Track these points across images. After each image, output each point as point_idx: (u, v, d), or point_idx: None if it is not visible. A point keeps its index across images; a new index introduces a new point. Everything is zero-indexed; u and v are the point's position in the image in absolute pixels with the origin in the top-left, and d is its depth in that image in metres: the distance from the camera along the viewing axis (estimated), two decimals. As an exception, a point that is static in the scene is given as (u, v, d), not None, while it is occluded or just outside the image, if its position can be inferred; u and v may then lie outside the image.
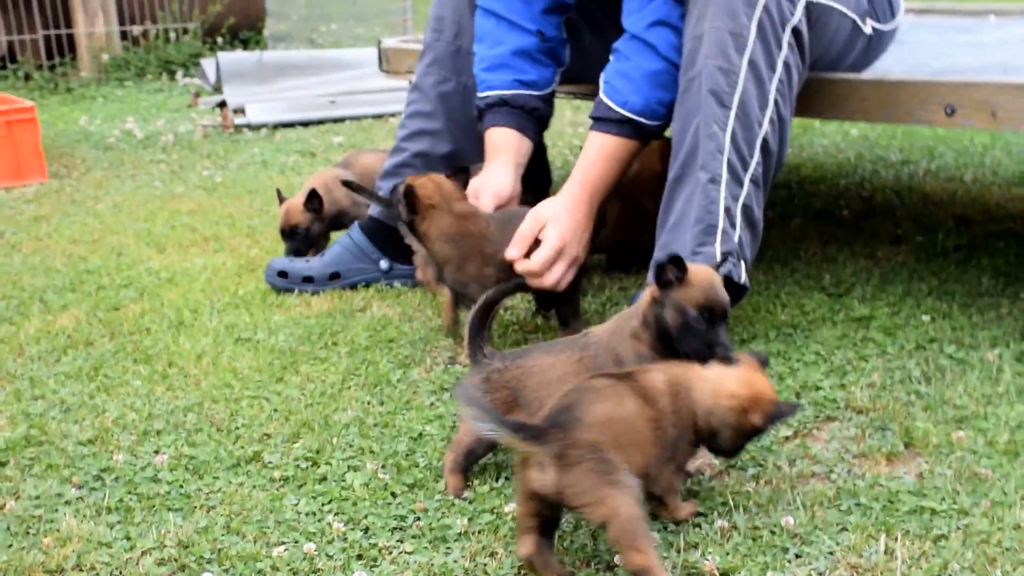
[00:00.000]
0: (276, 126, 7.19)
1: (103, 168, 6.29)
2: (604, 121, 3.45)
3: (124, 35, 9.01)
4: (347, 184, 3.92)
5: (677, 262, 2.49)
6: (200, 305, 3.96)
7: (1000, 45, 4.51)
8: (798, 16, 3.28)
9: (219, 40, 9.39)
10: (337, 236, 4.35)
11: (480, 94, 3.75)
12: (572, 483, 2.11)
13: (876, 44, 3.76)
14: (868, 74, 3.62)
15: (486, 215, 3.46)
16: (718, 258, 3.17)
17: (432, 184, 3.45)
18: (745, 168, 3.26)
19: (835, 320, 3.56)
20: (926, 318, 3.51)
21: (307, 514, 2.52)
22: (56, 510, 2.59)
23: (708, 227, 3.22)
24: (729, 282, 3.14)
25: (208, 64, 8.63)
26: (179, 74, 8.86)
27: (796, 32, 3.28)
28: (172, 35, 9.17)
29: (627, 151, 3.47)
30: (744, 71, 3.21)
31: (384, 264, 4.07)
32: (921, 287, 3.82)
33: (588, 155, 3.47)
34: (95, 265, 4.48)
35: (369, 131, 7.15)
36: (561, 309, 3.53)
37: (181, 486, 2.66)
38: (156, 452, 2.83)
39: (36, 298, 4.13)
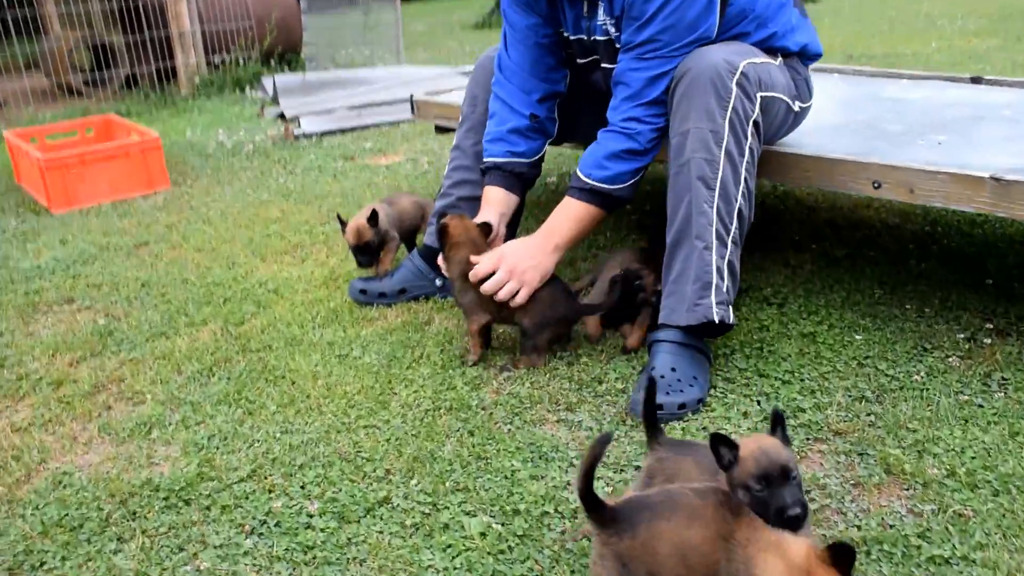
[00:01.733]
0: (323, 134, 6.50)
1: (207, 175, 5.64)
2: (575, 188, 3.02)
3: (208, 63, 8.41)
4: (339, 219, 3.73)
5: (725, 442, 1.77)
6: (304, 319, 3.42)
7: (920, 108, 3.88)
8: (756, 110, 2.83)
9: (272, 62, 8.66)
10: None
11: (483, 159, 3.32)
12: None
13: (799, 118, 3.26)
14: (810, 150, 3.10)
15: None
16: (714, 307, 2.78)
17: (461, 226, 3.06)
18: (728, 233, 2.81)
19: (789, 335, 3.08)
20: (858, 337, 3.03)
21: (443, 570, 2.03)
22: (237, 562, 2.10)
23: (704, 284, 2.79)
24: (722, 325, 2.80)
25: (267, 81, 8.05)
26: (247, 89, 8.16)
27: (755, 123, 2.84)
28: (241, 60, 8.44)
29: (590, 216, 3.02)
30: (722, 160, 2.78)
31: (438, 282, 3.53)
32: (834, 298, 3.34)
33: (557, 214, 3.04)
34: (218, 276, 3.90)
35: (388, 135, 6.53)
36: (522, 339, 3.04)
37: (332, 534, 2.17)
38: (305, 493, 2.33)
39: (181, 312, 3.56)
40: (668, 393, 2.67)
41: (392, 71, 8.11)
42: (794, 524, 1.69)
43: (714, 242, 2.78)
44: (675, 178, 2.84)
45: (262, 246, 4.25)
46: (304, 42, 8.99)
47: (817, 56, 3.25)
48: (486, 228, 3.10)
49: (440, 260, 3.13)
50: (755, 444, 1.78)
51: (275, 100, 7.63)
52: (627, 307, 3.09)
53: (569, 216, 2.99)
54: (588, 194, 2.96)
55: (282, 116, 7.04)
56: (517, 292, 2.91)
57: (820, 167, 3.01)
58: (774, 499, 1.71)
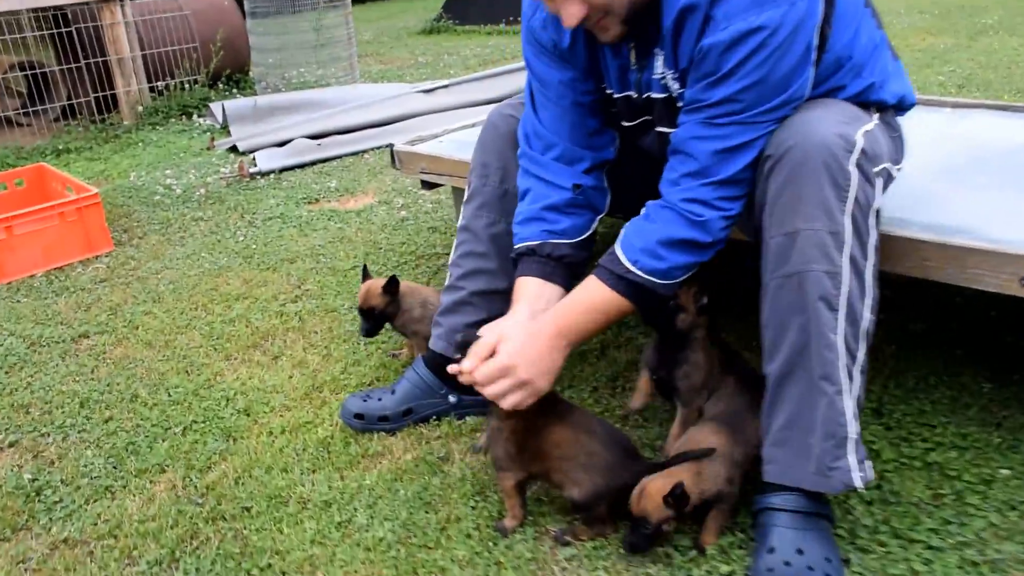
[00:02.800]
0: (282, 170, 5.55)
1: (155, 231, 4.61)
2: (610, 273, 2.11)
3: (152, 89, 7.30)
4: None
5: None
6: (288, 460, 2.51)
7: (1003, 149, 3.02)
8: (877, 195, 1.99)
9: (220, 85, 7.62)
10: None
11: (515, 245, 2.41)
12: None
13: (891, 181, 2.39)
14: (923, 228, 2.29)
15: None
16: (855, 471, 1.96)
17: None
18: (855, 362, 1.98)
19: (910, 465, 2.26)
20: (1001, 469, 2.21)
21: None
22: None
23: (839, 441, 1.95)
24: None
25: (215, 106, 6.98)
26: (195, 115, 7.11)
27: (877, 213, 2.00)
28: (186, 85, 7.39)
29: (618, 311, 2.14)
30: (847, 269, 1.93)
31: (452, 398, 2.63)
32: (939, 397, 2.54)
33: (577, 301, 2.16)
34: (174, 388, 2.96)
35: (352, 169, 5.57)
36: None
37: None
38: None
39: (131, 450, 2.62)
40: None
41: (348, 91, 7.12)
42: None
43: (843, 381, 1.95)
44: (777, 293, 1.99)
45: (225, 337, 3.31)
46: (252, 63, 7.95)
47: (911, 107, 2.40)
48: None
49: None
50: None
51: (225, 129, 6.61)
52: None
53: (593, 306, 2.13)
54: (625, 284, 2.08)
55: (234, 149, 6.04)
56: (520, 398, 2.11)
57: (945, 256, 2.17)
58: None
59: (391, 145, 3.52)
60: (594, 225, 2.40)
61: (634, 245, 2.07)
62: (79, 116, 7.07)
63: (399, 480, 2.36)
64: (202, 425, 2.71)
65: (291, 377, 2.97)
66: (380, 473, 2.39)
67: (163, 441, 2.64)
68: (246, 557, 2.11)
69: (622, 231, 2.14)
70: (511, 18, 11.37)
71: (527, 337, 2.10)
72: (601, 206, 2.41)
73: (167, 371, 3.08)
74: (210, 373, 3.03)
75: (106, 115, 7.00)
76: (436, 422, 2.62)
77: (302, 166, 5.66)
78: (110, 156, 6.20)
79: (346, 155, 5.85)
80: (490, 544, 2.10)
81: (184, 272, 3.99)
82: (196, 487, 2.41)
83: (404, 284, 2.92)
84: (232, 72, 7.77)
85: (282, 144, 5.97)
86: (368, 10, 16.35)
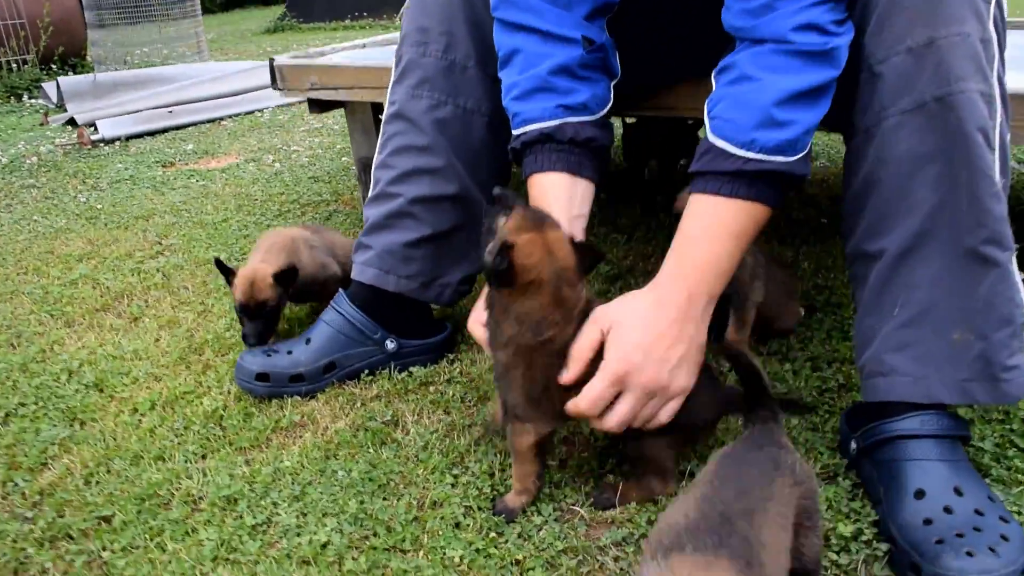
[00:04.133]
0: (128, 138, 4.45)
1: (-30, 200, 3.45)
2: (714, 176, 1.28)
3: (-29, 68, 5.87)
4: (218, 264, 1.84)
5: None
6: (164, 445, 1.56)
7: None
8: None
9: (53, 67, 6.32)
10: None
11: (515, 131, 1.51)
12: None
13: None
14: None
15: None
16: None
17: (542, 248, 1.23)
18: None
19: None
20: None
21: None
22: None
23: (1016, 329, 1.24)
24: None
25: (49, 86, 5.77)
26: (25, 97, 5.84)
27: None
28: (13, 66, 6.09)
29: (753, 223, 1.30)
30: (997, 92, 1.21)
31: (391, 344, 1.75)
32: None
33: (686, 229, 1.31)
34: (-8, 364, 1.94)
35: (209, 134, 4.54)
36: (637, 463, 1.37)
37: None
38: None
39: (-83, 452, 1.61)
40: (971, 554, 1.09)
41: (198, 67, 6.03)
42: None
43: (1012, 247, 1.23)
44: (894, 135, 1.25)
45: (63, 299, 2.31)
46: (90, 41, 6.68)
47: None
48: (587, 253, 1.32)
49: (473, 320, 1.41)
50: None
51: (61, 106, 5.41)
52: None
53: (720, 234, 1.28)
54: (749, 181, 1.26)
55: (72, 122, 4.89)
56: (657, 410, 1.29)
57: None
58: None
59: (270, 60, 2.59)
60: (611, 95, 1.56)
61: (738, 122, 1.25)
62: None
63: (332, 457, 1.49)
64: (32, 409, 1.74)
65: (158, 340, 2.02)
66: (303, 450, 1.51)
67: (-27, 434, 1.66)
68: (107, 597, 1.20)
69: (708, 115, 1.31)
70: (356, 13, 10.42)
71: (639, 320, 1.25)
72: (616, 67, 1.57)
73: (-18, 344, 2.07)
74: (44, 343, 2.04)
75: (-83, 96, 5.66)
76: (370, 377, 1.75)
77: (152, 133, 4.58)
78: (-81, 137, 4.92)
79: (201, 122, 4.81)
80: (493, 535, 1.26)
81: (11, 238, 2.91)
82: (24, 495, 1.46)
83: (293, 233, 2.03)
84: (66, 53, 6.50)
85: (129, 115, 4.86)
86: (207, 20, 14.93)
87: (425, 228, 1.73)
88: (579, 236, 1.45)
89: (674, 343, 1.25)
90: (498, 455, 1.46)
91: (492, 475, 1.41)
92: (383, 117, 1.80)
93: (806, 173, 1.29)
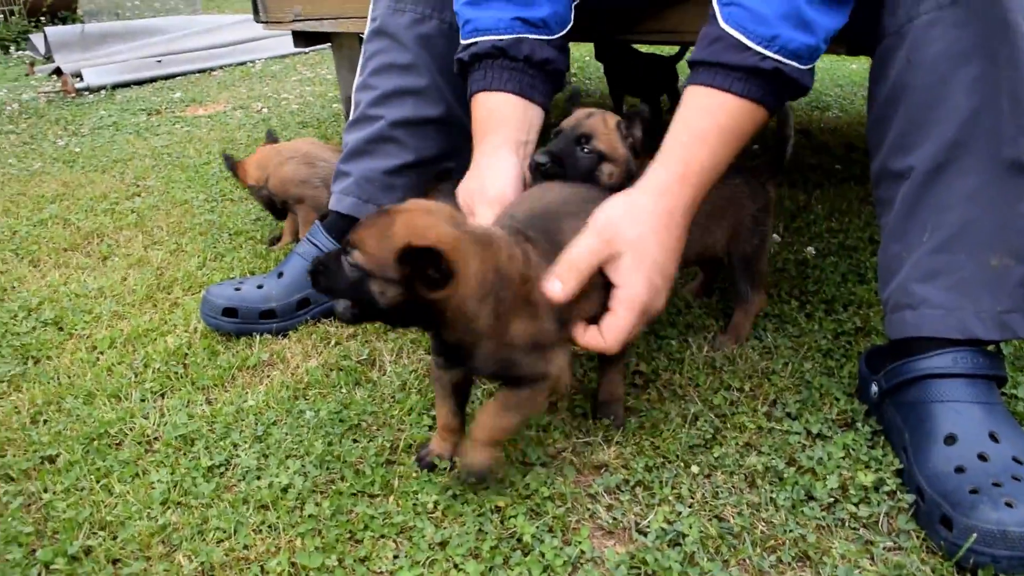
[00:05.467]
0: (114, 87, 4.27)
1: (-55, 143, 3.30)
2: (726, 69, 1.10)
3: (-43, 17, 5.71)
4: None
5: None
6: (121, 382, 1.43)
7: None
8: None
9: (41, 20, 6.12)
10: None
11: (464, 40, 1.36)
12: None
13: None
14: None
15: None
16: None
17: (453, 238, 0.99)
18: None
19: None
20: None
21: None
22: None
23: None
24: None
25: (36, 38, 5.55)
26: (11, 49, 5.66)
27: None
28: (2, 16, 5.87)
29: (755, 125, 1.14)
30: None
31: (369, 280, 1.61)
32: None
33: (693, 126, 1.12)
34: (-54, 301, 1.81)
35: (199, 83, 4.37)
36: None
37: None
38: None
39: None
40: (1011, 505, 0.96)
41: (189, 19, 5.85)
42: None
43: None
44: (926, 35, 1.11)
45: (31, 239, 2.17)
46: (81, -3, 6.50)
47: None
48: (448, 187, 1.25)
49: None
50: None
51: (49, 57, 5.23)
52: None
53: (728, 134, 1.13)
54: (762, 81, 1.11)
55: (58, 72, 4.72)
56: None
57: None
58: None
59: (251, -8, 2.43)
60: (571, 17, 1.41)
61: (761, 13, 1.09)
62: None
63: (301, 397, 1.36)
64: (-15, 344, 1.61)
65: (125, 279, 1.89)
66: (270, 390, 1.38)
67: (-83, 368, 1.53)
68: (45, 538, 1.07)
69: (716, 4, 1.13)
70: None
71: (653, 234, 1.08)
72: None
73: (-62, 282, 1.93)
74: (4, 281, 1.90)
75: (-99, 45, 5.48)
76: (347, 316, 1.62)
77: (140, 83, 4.42)
78: (-101, 85, 4.75)
79: (191, 72, 4.65)
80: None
81: (-19, 179, 2.78)
82: (-35, 436, 1.33)
83: (268, 146, 1.92)
84: (56, 6, 6.31)
85: (116, 64, 4.68)
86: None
87: (408, 154, 1.59)
88: (524, 160, 1.30)
89: (677, 257, 1.11)
90: (480, 397, 1.33)
91: (473, 415, 1.28)
92: (364, 35, 1.65)
93: (810, 86, 1.16)
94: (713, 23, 1.14)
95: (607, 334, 1.07)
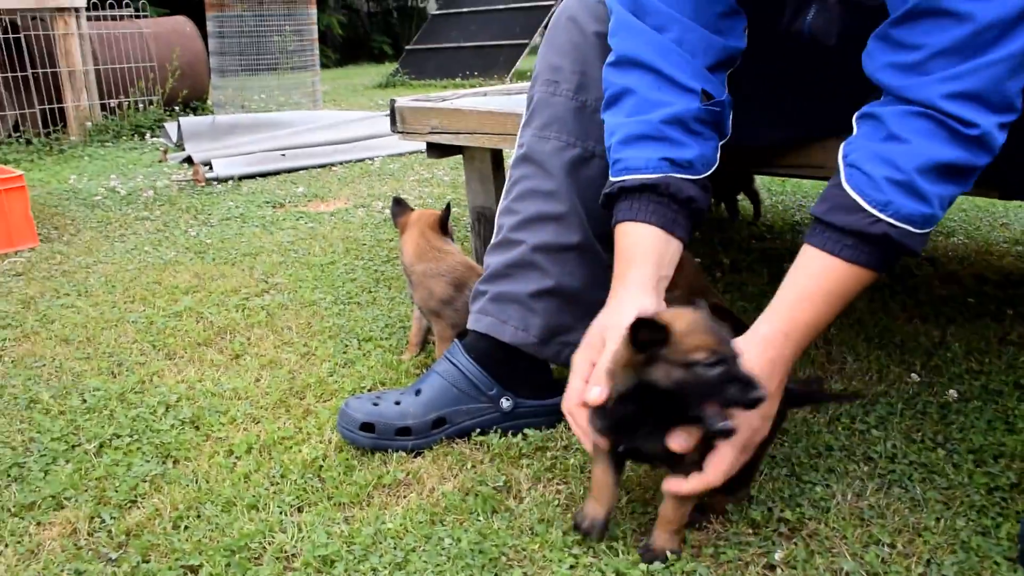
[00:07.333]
0: (241, 178, 4.48)
1: (92, 228, 3.49)
2: (838, 232, 1.17)
3: (104, 107, 6.17)
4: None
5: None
6: (259, 493, 1.45)
7: None
8: None
9: (176, 109, 6.50)
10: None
11: (613, 178, 1.38)
12: None
13: None
14: None
15: None
16: None
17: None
18: None
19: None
20: None
21: None
22: None
23: None
24: None
25: (171, 126, 5.87)
26: (148, 136, 6.00)
27: None
28: (140, 105, 6.28)
29: (859, 284, 1.20)
30: None
31: (506, 403, 1.61)
32: None
33: (800, 286, 1.19)
34: (91, 389, 1.88)
35: (320, 178, 4.54)
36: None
37: None
38: None
39: (13, 475, 1.54)
40: None
41: (313, 114, 6.11)
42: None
43: None
44: None
45: (168, 332, 2.25)
46: (213, 85, 6.87)
47: None
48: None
49: (576, 404, 1.27)
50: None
51: (180, 145, 5.53)
52: None
53: (831, 293, 1.19)
54: (872, 246, 1.16)
55: (189, 160, 4.97)
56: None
57: None
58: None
59: (391, 101, 2.53)
60: (718, 158, 1.44)
61: (877, 179, 1.15)
62: (22, 129, 5.85)
63: (439, 523, 1.34)
64: (127, 441, 1.65)
65: (259, 380, 1.93)
66: (407, 512, 1.37)
67: (66, 463, 1.57)
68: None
69: (844, 160, 1.21)
70: (467, 72, 10.53)
71: (763, 378, 1.13)
72: (728, 128, 1.45)
73: (84, 371, 2.00)
74: (144, 374, 1.97)
75: (51, 128, 5.83)
76: (481, 436, 1.61)
77: (264, 175, 4.62)
78: (50, 167, 5.06)
79: (312, 167, 4.84)
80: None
81: (121, 266, 2.90)
82: (110, 533, 1.35)
83: (427, 222, 1.97)
84: (190, 96, 6.70)
85: (243, 156, 4.91)
86: (322, 73, 15.39)
87: (548, 280, 1.60)
88: (661, 297, 1.32)
89: (776, 403, 1.21)
90: (624, 534, 1.29)
91: (617, 554, 1.24)
92: (511, 161, 1.69)
93: (921, 250, 1.20)
94: (834, 179, 1.22)
95: (712, 471, 1.17)
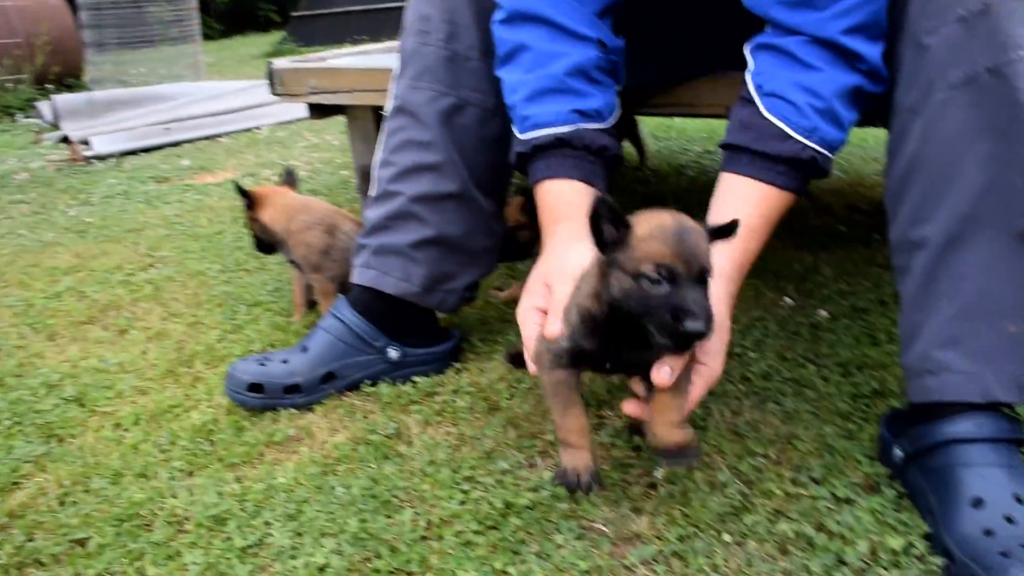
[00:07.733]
0: (123, 154, 4.33)
1: (-42, 216, 3.33)
2: (770, 160, 1.23)
3: (-36, 87, 5.79)
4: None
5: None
6: (149, 463, 1.43)
7: None
8: None
9: (48, 87, 6.21)
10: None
11: (523, 135, 1.39)
12: None
13: None
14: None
15: None
16: None
17: None
18: None
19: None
20: None
21: None
22: None
23: None
24: None
25: (43, 105, 5.63)
26: (18, 116, 5.72)
27: None
28: (8, 85, 5.96)
29: (788, 208, 1.28)
30: None
31: (393, 353, 1.62)
32: None
33: (744, 215, 1.18)
34: (-34, 378, 1.81)
35: (206, 151, 4.43)
36: None
37: None
38: None
39: None
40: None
41: (196, 86, 5.94)
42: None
43: None
44: (941, 112, 1.15)
45: (48, 313, 2.18)
46: (89, 61, 6.58)
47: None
48: None
49: (527, 309, 1.27)
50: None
51: (56, 125, 5.30)
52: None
53: (767, 220, 1.26)
54: (800, 172, 1.25)
55: (66, 139, 4.78)
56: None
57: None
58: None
59: (268, 63, 2.48)
60: (619, 104, 1.47)
61: (802, 106, 1.21)
62: None
63: (331, 473, 1.36)
64: (7, 424, 1.61)
65: (145, 352, 1.90)
66: (299, 466, 1.38)
67: (-58, 450, 1.53)
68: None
69: (758, 90, 1.26)
70: (355, 36, 10.35)
71: (727, 314, 1.21)
72: (622, 74, 1.50)
73: (-42, 358, 1.94)
74: (23, 356, 1.91)
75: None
76: (371, 387, 1.63)
77: (148, 150, 4.47)
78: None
79: (199, 139, 4.71)
80: (510, 554, 1.13)
81: (-5, 252, 2.80)
82: (-6, 515, 1.33)
83: (292, 195, 1.95)
84: (63, 73, 6.40)
85: (124, 132, 4.74)
86: (206, 45, 14.89)
87: (428, 230, 1.61)
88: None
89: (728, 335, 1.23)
90: (511, 469, 1.33)
91: (506, 488, 1.28)
92: (384, 114, 1.69)
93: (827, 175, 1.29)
94: (747, 108, 1.25)
95: (681, 399, 1.14)
